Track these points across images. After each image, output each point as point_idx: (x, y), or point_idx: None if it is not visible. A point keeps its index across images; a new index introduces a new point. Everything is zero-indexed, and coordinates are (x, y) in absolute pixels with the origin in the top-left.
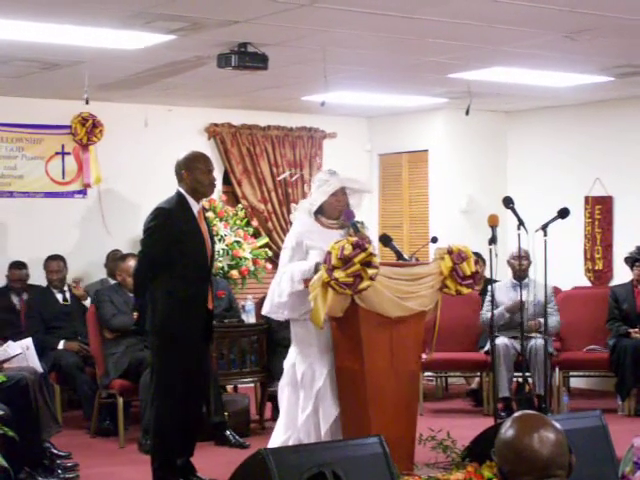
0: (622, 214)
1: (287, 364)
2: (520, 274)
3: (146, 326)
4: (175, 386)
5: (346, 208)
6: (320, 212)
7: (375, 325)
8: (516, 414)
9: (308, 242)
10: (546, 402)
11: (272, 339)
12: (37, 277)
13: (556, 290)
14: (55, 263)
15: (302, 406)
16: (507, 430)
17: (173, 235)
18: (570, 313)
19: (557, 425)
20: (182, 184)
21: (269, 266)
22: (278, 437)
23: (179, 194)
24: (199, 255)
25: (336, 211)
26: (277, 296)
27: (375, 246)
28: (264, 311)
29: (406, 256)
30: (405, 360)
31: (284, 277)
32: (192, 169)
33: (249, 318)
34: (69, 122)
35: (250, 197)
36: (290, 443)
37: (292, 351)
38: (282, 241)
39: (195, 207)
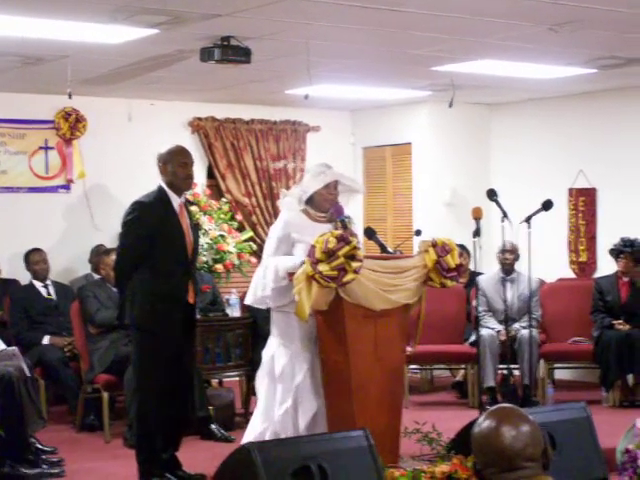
0: (606, 206)
1: (266, 355)
2: (508, 269)
3: (125, 320)
4: (156, 380)
5: (336, 203)
6: (309, 203)
7: (360, 318)
8: (490, 408)
9: (295, 235)
10: (531, 392)
11: (257, 333)
12: (21, 273)
13: (540, 282)
14: (38, 254)
15: (280, 399)
16: (478, 424)
17: (151, 229)
18: (554, 305)
19: (529, 417)
20: (162, 177)
21: (253, 260)
22: (255, 428)
23: (160, 188)
24: (178, 249)
25: (326, 203)
26: (261, 289)
27: (360, 240)
28: (247, 301)
29: (390, 249)
30: (390, 353)
31: (268, 271)
32: (169, 162)
33: (234, 312)
34: (52, 117)
35: (234, 191)
36: (267, 435)
37: (272, 342)
38: (266, 235)
39: (176, 201)
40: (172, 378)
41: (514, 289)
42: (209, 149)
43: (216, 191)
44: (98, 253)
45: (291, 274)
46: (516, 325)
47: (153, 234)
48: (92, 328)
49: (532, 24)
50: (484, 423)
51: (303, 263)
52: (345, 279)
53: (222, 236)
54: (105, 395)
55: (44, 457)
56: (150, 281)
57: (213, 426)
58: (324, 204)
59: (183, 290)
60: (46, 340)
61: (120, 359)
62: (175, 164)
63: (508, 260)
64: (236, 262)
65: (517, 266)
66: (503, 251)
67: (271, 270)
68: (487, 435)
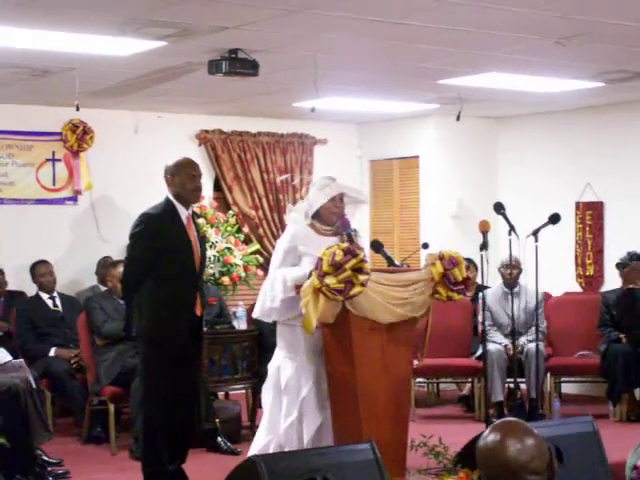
0: (613, 219)
1: (272, 367)
2: (510, 283)
3: (132, 332)
4: (162, 392)
5: (342, 216)
6: (316, 217)
7: (366, 331)
8: (496, 422)
9: (302, 248)
10: (538, 406)
11: (263, 345)
12: (27, 285)
13: (547, 296)
14: (44, 266)
15: (285, 412)
16: (483, 437)
17: (158, 241)
18: (561, 319)
19: (534, 431)
20: (170, 189)
21: (260, 272)
22: (259, 440)
23: (167, 200)
24: (186, 261)
25: (332, 216)
26: (269, 301)
27: (366, 253)
28: (255, 315)
29: (397, 262)
30: (396, 366)
31: (276, 282)
32: (176, 174)
33: (240, 324)
34: (60, 129)
35: (241, 203)
36: (271, 447)
37: (278, 354)
38: (273, 247)
39: (183, 213)
40: (179, 390)
41: (518, 303)
42: (216, 161)
43: (223, 203)
44: (105, 265)
45: (298, 287)
46: (522, 339)
47: (161, 246)
48: (99, 340)
49: (540, 37)
50: (489, 436)
51: (311, 274)
52: (352, 292)
53: (229, 249)
54: (111, 407)
55: (50, 469)
56: (157, 293)
57: (219, 439)
58: (331, 217)
59: (191, 302)
60: (52, 352)
61: (126, 371)
62: (183, 176)
63: (512, 275)
64: (242, 275)
65: (522, 279)
66: (506, 266)
67: (279, 281)
68: (492, 448)
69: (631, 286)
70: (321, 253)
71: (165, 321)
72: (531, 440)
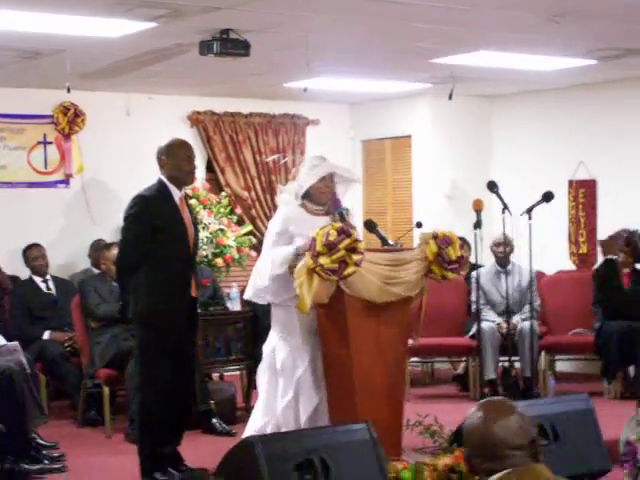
0: (606, 197)
1: (267, 348)
2: (502, 261)
3: (129, 314)
4: (159, 374)
5: (333, 195)
6: (306, 197)
7: (361, 311)
8: (481, 401)
9: (293, 229)
10: (532, 384)
11: (257, 326)
12: (20, 269)
13: (540, 274)
14: (36, 249)
15: (282, 392)
16: (468, 415)
17: (153, 222)
18: (555, 297)
19: (517, 409)
20: (163, 171)
21: (253, 254)
22: (256, 422)
23: (160, 182)
24: (180, 242)
25: (323, 196)
26: (259, 280)
27: (359, 232)
28: (247, 295)
29: (391, 242)
30: (391, 346)
31: (266, 264)
32: (171, 155)
33: (234, 306)
34: (51, 111)
35: (233, 185)
36: (269, 428)
37: (272, 335)
38: (266, 228)
39: (176, 194)
40: (175, 374)
41: (510, 281)
42: (208, 143)
43: (215, 185)
44: (98, 248)
45: (292, 267)
46: (516, 317)
47: (155, 228)
48: (93, 322)
49: (532, 15)
50: (472, 414)
51: (298, 249)
52: (346, 272)
53: (222, 230)
54: (106, 390)
55: (45, 452)
56: (153, 276)
57: (214, 420)
58: (321, 197)
59: (186, 284)
60: (47, 335)
61: (121, 353)
62: (179, 158)
63: (503, 253)
64: (236, 256)
65: (515, 258)
66: (497, 244)
67: (268, 262)
68: (474, 426)
69: (610, 256)
70: (315, 233)
71: (161, 305)
72: (513, 417)
